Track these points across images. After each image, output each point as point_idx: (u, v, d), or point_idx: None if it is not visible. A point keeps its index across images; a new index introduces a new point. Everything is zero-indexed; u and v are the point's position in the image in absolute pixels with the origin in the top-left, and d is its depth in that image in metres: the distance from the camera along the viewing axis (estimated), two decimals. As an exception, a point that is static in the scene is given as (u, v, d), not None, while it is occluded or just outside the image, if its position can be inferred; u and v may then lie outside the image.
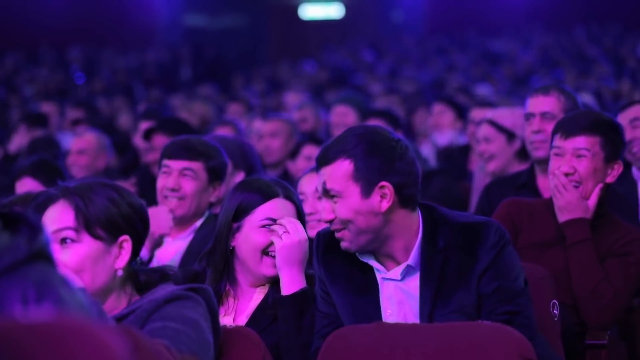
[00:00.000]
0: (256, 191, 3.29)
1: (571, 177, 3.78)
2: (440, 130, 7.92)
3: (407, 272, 3.00)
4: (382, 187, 2.93)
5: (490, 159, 5.33)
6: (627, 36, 19.30)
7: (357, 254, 3.03)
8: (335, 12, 25.98)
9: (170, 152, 4.19)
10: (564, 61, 16.96)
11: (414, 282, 3.00)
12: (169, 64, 19.99)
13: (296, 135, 6.80)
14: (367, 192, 2.93)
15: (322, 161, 2.99)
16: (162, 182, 4.17)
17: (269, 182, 3.34)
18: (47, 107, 10.67)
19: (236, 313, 3.25)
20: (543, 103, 4.55)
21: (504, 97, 10.15)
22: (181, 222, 4.19)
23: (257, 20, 26.03)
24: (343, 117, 7.59)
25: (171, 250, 4.19)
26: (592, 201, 3.79)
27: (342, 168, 2.94)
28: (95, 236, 2.65)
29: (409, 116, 9.93)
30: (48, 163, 4.95)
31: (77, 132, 7.53)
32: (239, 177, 4.61)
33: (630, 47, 17.67)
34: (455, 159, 7.34)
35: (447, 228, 2.99)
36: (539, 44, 19.48)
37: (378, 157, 2.94)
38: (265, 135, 6.85)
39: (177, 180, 4.14)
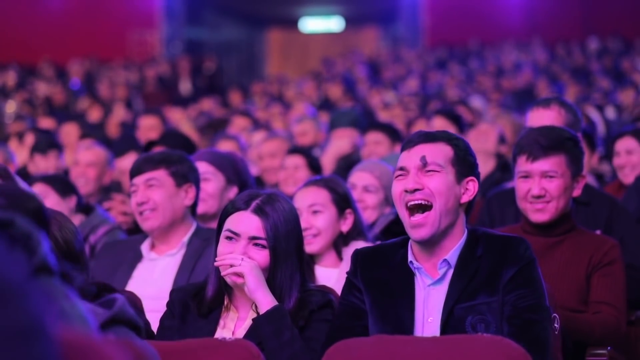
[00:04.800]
0: (230, 204, 3.32)
1: (542, 199, 3.79)
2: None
3: (444, 273, 3.11)
4: (469, 181, 3.15)
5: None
6: (627, 51, 19.31)
7: (409, 260, 3.14)
8: (335, 25, 26.02)
9: (133, 171, 4.23)
10: (564, 75, 16.96)
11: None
12: (169, 77, 19.98)
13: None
14: (458, 179, 3.13)
15: (424, 139, 3.17)
16: (133, 201, 4.20)
17: (247, 194, 3.31)
18: (46, 123, 10.66)
19: (235, 326, 3.25)
20: (544, 116, 4.54)
21: (501, 111, 10.14)
22: (165, 235, 4.17)
23: (257, 34, 26.07)
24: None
25: (159, 267, 4.15)
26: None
27: (445, 149, 3.15)
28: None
29: (408, 128, 9.92)
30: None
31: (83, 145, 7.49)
32: (232, 192, 4.58)
33: (631, 62, 17.66)
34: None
35: (486, 239, 3.15)
36: (539, 58, 19.49)
37: (471, 157, 3.18)
38: (266, 155, 6.81)
39: (144, 193, 4.16)
